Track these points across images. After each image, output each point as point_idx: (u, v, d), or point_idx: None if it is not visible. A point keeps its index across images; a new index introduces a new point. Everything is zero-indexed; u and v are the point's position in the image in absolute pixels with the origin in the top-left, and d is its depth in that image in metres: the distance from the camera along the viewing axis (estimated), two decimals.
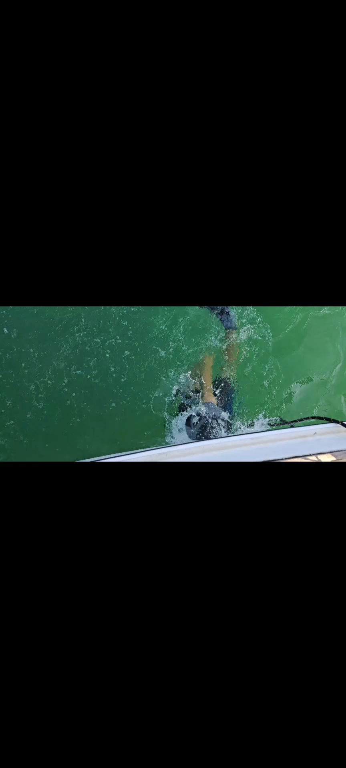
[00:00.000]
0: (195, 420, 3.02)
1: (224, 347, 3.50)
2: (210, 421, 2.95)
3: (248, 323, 3.58)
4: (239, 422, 3.11)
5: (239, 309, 3.57)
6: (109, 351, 3.52)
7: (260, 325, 3.62)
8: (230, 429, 3.02)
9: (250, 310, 3.61)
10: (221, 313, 3.52)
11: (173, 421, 3.25)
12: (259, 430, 2.92)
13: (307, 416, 2.04)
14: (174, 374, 3.42)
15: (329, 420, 1.83)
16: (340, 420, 1.82)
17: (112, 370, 3.48)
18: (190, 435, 3.07)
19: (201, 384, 3.24)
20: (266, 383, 3.51)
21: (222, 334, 3.56)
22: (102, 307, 3.56)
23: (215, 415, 3.00)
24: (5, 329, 3.56)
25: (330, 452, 1.74)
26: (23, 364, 3.48)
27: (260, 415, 3.19)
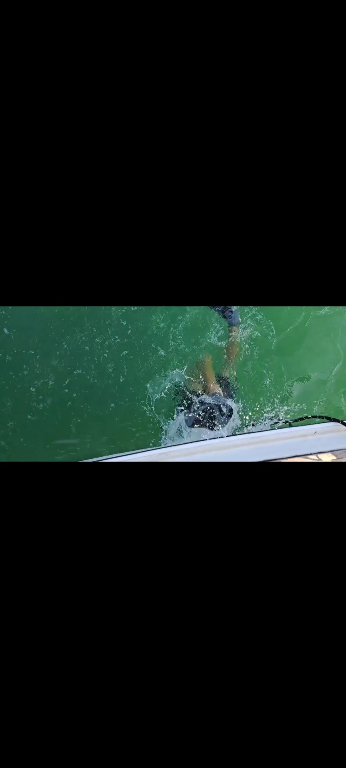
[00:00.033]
0: (196, 407, 3.01)
1: (225, 344, 3.50)
2: (214, 409, 2.95)
3: (249, 320, 3.59)
4: (237, 418, 3.11)
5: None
6: (107, 351, 3.53)
7: (262, 323, 3.63)
8: (231, 415, 3.00)
9: (252, 308, 3.61)
10: (224, 309, 3.51)
11: (171, 423, 3.25)
12: (259, 429, 2.92)
13: (307, 415, 2.04)
14: (174, 373, 3.43)
15: (329, 419, 1.83)
16: (340, 419, 1.82)
17: (111, 370, 3.48)
18: (187, 420, 3.05)
19: (204, 381, 3.24)
20: (266, 381, 3.51)
21: (221, 332, 3.57)
22: (102, 307, 3.57)
23: (218, 403, 2.99)
24: (5, 329, 3.57)
25: (330, 451, 1.74)
26: (24, 366, 3.49)
27: (261, 415, 3.19)
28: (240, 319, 3.52)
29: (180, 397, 3.27)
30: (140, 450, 1.77)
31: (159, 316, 3.64)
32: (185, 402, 3.16)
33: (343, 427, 1.80)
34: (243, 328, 3.53)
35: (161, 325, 3.62)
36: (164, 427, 3.25)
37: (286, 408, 3.34)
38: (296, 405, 3.40)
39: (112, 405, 3.42)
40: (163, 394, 3.33)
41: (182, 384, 3.34)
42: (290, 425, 2.10)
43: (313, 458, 1.71)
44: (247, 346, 3.53)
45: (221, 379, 3.31)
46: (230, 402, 3.06)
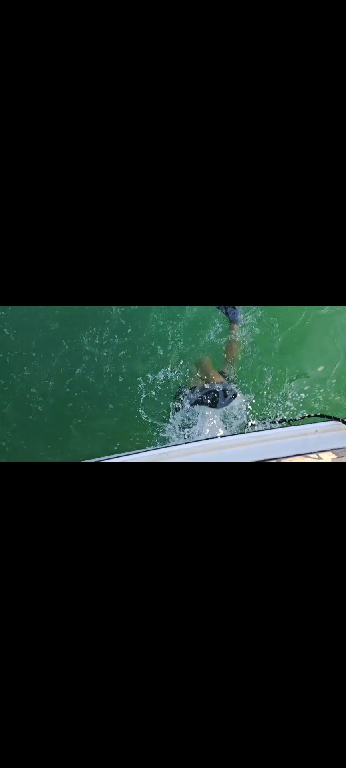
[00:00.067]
0: (198, 390, 3.04)
1: (225, 342, 3.50)
2: (217, 391, 2.97)
3: (249, 316, 3.59)
4: (242, 402, 3.12)
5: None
6: (106, 350, 3.53)
7: (263, 320, 3.63)
8: (236, 397, 3.00)
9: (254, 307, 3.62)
10: (226, 306, 3.51)
11: (171, 420, 3.26)
12: (259, 428, 2.92)
13: (308, 414, 2.04)
14: (172, 371, 3.43)
15: (329, 417, 1.83)
16: (341, 417, 1.82)
17: (109, 370, 3.49)
18: (190, 399, 3.06)
19: (206, 378, 3.25)
20: (267, 379, 3.52)
21: (221, 330, 3.57)
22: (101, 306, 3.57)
23: (223, 387, 3.01)
24: (6, 330, 3.57)
25: (331, 450, 1.74)
26: (25, 367, 3.49)
27: (261, 413, 3.19)
28: (242, 317, 3.52)
29: (180, 396, 3.28)
30: (140, 450, 1.77)
31: (158, 314, 3.65)
32: (184, 398, 3.18)
33: (343, 425, 1.80)
34: (243, 326, 3.53)
35: (161, 323, 3.63)
36: (163, 425, 3.26)
37: (286, 407, 3.35)
38: (296, 403, 3.40)
39: (111, 406, 3.42)
40: (158, 395, 3.35)
41: (183, 384, 3.34)
42: (291, 424, 2.10)
43: (313, 457, 1.71)
44: (247, 343, 3.53)
45: (222, 374, 3.32)
46: (234, 386, 3.09)
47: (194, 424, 3.07)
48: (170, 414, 3.24)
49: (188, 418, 3.14)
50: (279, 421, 2.91)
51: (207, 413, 3.04)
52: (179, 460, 1.69)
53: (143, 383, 3.36)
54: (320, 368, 3.56)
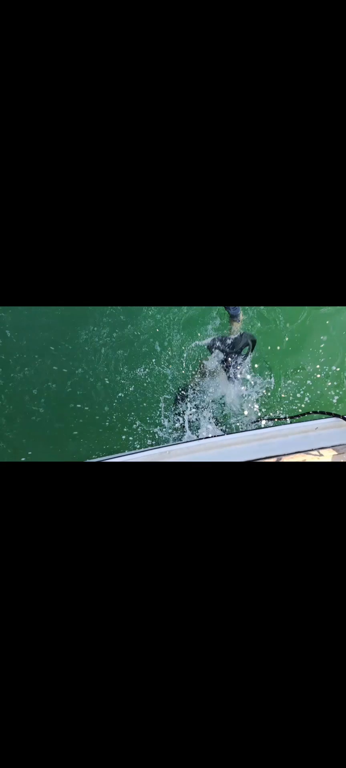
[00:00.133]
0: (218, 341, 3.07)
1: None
2: (236, 338, 3.01)
3: (251, 311, 3.60)
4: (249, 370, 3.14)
5: None
6: (104, 348, 3.54)
7: (264, 314, 3.64)
8: (248, 355, 3.05)
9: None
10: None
11: (171, 417, 3.27)
12: (261, 426, 2.92)
13: (308, 411, 2.04)
14: (172, 371, 3.44)
15: (330, 414, 1.83)
16: (341, 414, 1.82)
17: (106, 369, 3.50)
18: (208, 344, 3.11)
19: (207, 374, 3.27)
20: (268, 377, 3.52)
21: (219, 324, 3.58)
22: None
23: (240, 335, 3.04)
24: (7, 332, 3.58)
25: (332, 446, 1.74)
26: (26, 368, 3.50)
27: (262, 411, 3.19)
28: (242, 316, 3.53)
29: (179, 395, 3.29)
30: (140, 450, 1.77)
31: (156, 310, 3.67)
32: (214, 349, 3.19)
33: (344, 422, 1.80)
34: (243, 320, 3.55)
35: (158, 316, 3.65)
36: (164, 423, 3.27)
37: (286, 404, 3.35)
38: (296, 401, 3.40)
39: (107, 408, 3.43)
40: (157, 394, 3.36)
41: (182, 385, 3.35)
42: (292, 421, 2.10)
43: (314, 454, 1.71)
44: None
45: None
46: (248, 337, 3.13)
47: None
48: (172, 410, 3.25)
49: (196, 407, 3.18)
50: (280, 419, 2.91)
51: (218, 369, 3.09)
52: (179, 460, 1.70)
53: (142, 383, 3.37)
54: (336, 367, 3.57)
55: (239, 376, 3.15)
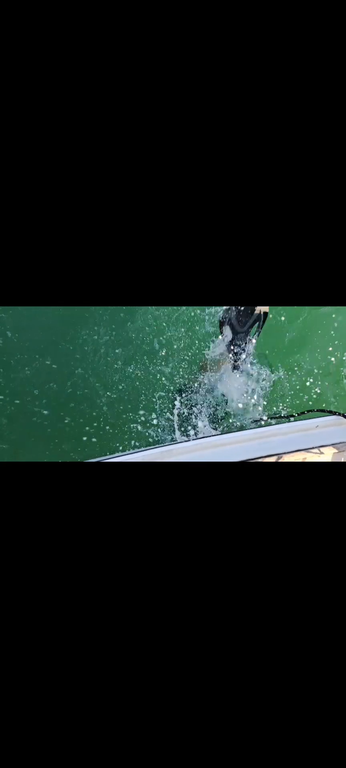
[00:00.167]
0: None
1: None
2: (241, 311, 2.99)
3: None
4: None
5: None
6: (104, 348, 3.55)
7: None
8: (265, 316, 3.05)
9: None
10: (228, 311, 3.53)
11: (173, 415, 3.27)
12: (261, 425, 2.92)
13: (309, 409, 2.04)
14: (172, 369, 3.44)
15: (331, 412, 1.83)
16: (342, 412, 1.82)
17: (106, 369, 3.50)
18: (222, 317, 3.10)
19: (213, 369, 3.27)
20: (269, 375, 3.52)
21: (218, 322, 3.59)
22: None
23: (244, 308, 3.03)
24: (8, 333, 3.58)
25: (332, 444, 1.74)
26: (27, 369, 3.50)
27: (262, 410, 3.19)
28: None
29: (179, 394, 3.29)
30: (140, 450, 1.77)
31: (155, 309, 3.67)
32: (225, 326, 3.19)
33: (345, 420, 1.80)
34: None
35: (157, 312, 3.65)
36: (164, 422, 3.27)
37: (287, 403, 3.35)
38: (297, 400, 3.40)
39: (112, 404, 3.43)
40: (157, 393, 3.36)
41: (181, 386, 3.36)
42: (293, 420, 2.10)
43: (315, 452, 1.71)
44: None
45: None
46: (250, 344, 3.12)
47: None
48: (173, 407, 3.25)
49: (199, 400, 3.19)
50: (280, 417, 2.91)
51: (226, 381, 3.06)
52: (179, 460, 1.70)
53: (142, 382, 3.37)
54: (333, 358, 3.58)
55: (242, 365, 3.14)
